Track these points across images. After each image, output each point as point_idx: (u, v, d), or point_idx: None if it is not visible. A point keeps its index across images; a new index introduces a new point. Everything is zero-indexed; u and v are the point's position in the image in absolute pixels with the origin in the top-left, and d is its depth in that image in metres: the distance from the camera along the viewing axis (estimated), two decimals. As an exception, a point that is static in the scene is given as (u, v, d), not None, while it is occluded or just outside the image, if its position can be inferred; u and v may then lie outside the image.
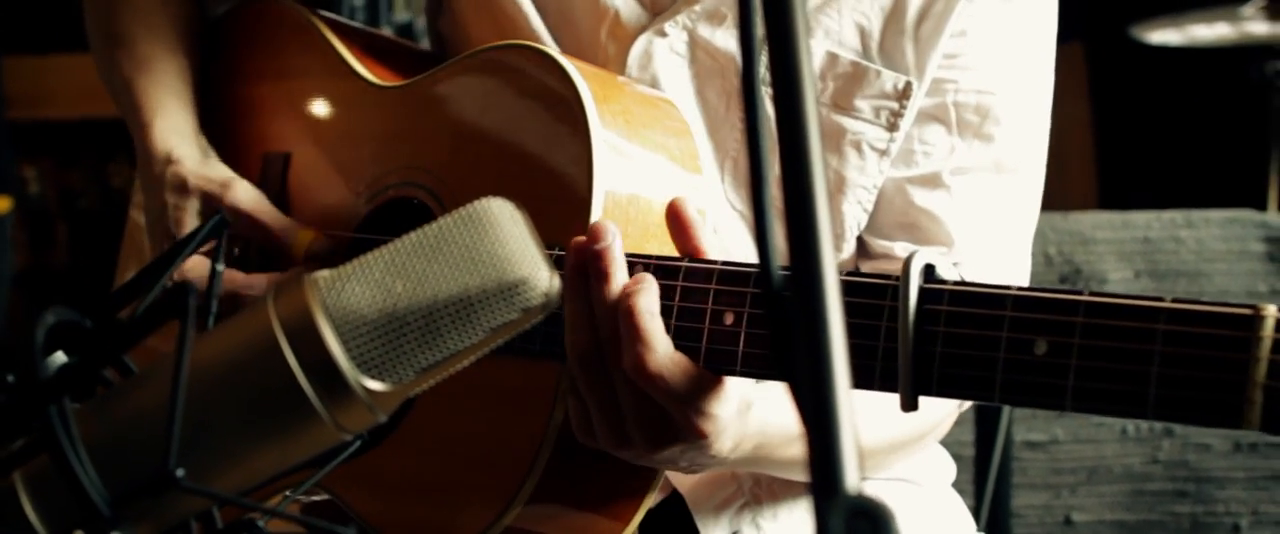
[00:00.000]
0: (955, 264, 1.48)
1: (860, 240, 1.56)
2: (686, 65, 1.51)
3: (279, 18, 1.73)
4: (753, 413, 1.27)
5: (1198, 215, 2.59)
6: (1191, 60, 4.25)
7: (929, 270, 1.17)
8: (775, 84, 0.85)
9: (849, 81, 1.49)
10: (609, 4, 1.51)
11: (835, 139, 1.50)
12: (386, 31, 3.35)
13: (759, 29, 0.85)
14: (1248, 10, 3.99)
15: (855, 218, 1.54)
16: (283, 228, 1.53)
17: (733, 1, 1.49)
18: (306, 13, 1.71)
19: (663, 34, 1.50)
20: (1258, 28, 3.96)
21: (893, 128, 1.50)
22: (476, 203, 0.91)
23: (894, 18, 1.49)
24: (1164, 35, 4.05)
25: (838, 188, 1.52)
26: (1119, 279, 2.56)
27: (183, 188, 1.54)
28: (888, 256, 1.55)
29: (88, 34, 1.76)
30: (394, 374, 0.88)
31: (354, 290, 0.88)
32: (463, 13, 1.62)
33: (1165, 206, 2.60)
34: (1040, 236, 2.58)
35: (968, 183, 1.54)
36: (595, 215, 1.33)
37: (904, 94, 1.49)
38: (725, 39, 1.50)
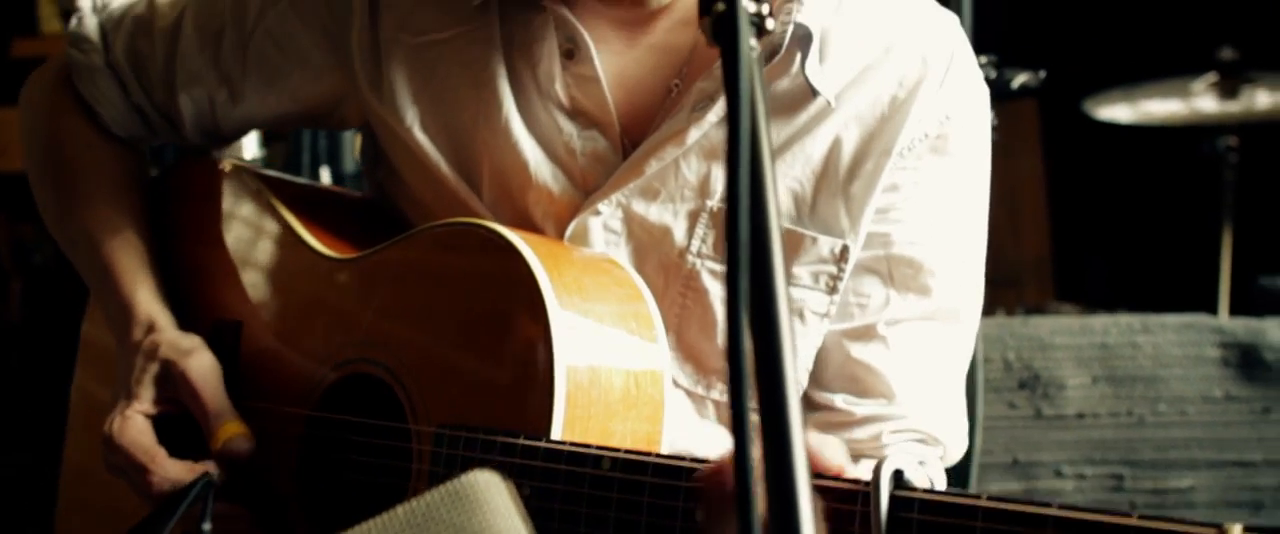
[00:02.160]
0: (922, 463, 1.50)
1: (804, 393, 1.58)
2: (623, 241, 1.51)
3: (220, 178, 1.72)
4: None
5: (1154, 321, 2.63)
6: (1144, 130, 4.30)
7: (898, 476, 1.20)
8: (755, 277, 0.87)
9: (786, 250, 1.50)
10: (542, 185, 1.51)
11: None
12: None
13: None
14: (1197, 86, 4.06)
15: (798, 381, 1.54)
16: (215, 412, 1.51)
17: (665, 176, 1.49)
18: (248, 172, 1.71)
19: (597, 212, 1.50)
20: (1207, 106, 4.02)
21: (833, 291, 1.51)
22: (463, 478, 0.92)
23: (825, 179, 1.50)
24: (1115, 111, 4.10)
25: None
26: (1077, 384, 2.60)
27: (153, 354, 1.54)
28: (829, 408, 1.55)
29: (29, 168, 1.74)
30: (384, 655, 0.89)
31: (345, 570, 0.89)
32: (402, 172, 1.62)
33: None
34: (999, 343, 2.63)
35: (904, 333, 1.54)
36: (558, 395, 1.33)
37: (841, 257, 1.50)
38: (659, 213, 1.50)
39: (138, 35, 1.69)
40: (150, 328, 1.57)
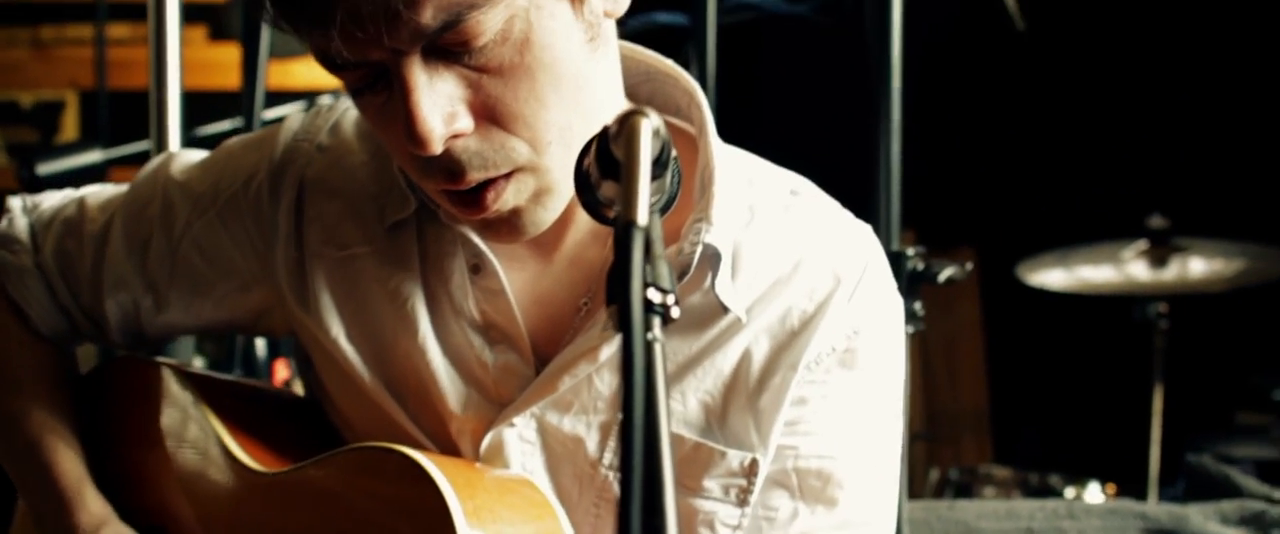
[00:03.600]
0: None
1: None
2: (538, 451, 1.52)
3: (151, 380, 1.72)
4: None
5: (1079, 506, 2.65)
6: (1077, 295, 4.37)
7: None
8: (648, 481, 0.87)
9: (695, 463, 1.50)
10: (456, 398, 1.52)
11: (688, 521, 1.50)
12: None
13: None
14: (1128, 254, 4.13)
15: None
16: None
17: (578, 390, 1.50)
18: (180, 374, 1.71)
19: (512, 425, 1.51)
20: (1139, 273, 4.10)
21: (743, 503, 1.51)
22: None
23: (734, 391, 1.50)
24: (1048, 277, 4.16)
25: None
26: (1003, 569, 2.60)
27: None
28: None
29: None
30: None
31: None
32: (328, 382, 1.62)
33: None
34: (924, 526, 2.63)
35: None
36: None
37: (751, 471, 1.50)
38: (573, 425, 1.51)
39: (66, 237, 1.70)
40: (103, 522, 1.58)
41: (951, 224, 5.21)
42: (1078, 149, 5.23)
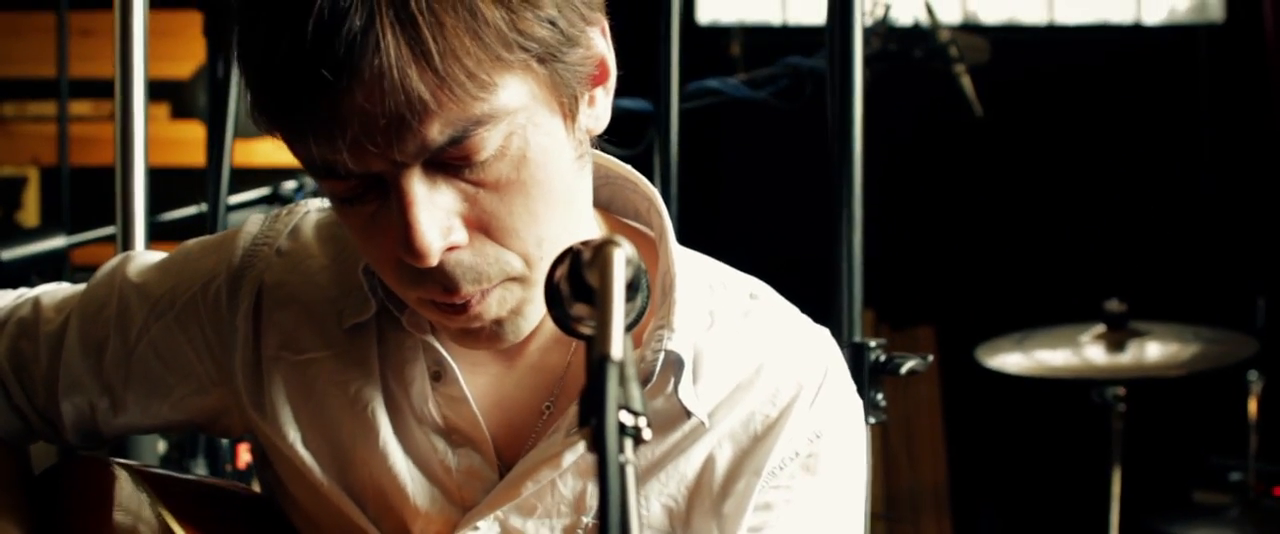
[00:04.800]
0: None
1: None
2: None
3: (106, 481, 1.68)
4: None
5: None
6: (1036, 379, 4.40)
7: None
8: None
9: None
10: (420, 502, 1.52)
11: None
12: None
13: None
14: (1085, 337, 4.17)
15: None
16: None
17: (541, 494, 1.50)
18: (136, 475, 1.68)
19: (475, 528, 1.51)
20: (1097, 356, 4.13)
21: None
22: None
23: (698, 496, 1.51)
24: (1006, 360, 4.19)
25: None
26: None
27: None
28: None
29: None
30: None
31: None
32: (287, 484, 1.62)
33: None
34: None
35: None
36: None
37: None
38: (536, 528, 1.50)
39: (21, 338, 1.68)
40: None
41: (912, 304, 5.25)
42: (1036, 234, 5.29)
